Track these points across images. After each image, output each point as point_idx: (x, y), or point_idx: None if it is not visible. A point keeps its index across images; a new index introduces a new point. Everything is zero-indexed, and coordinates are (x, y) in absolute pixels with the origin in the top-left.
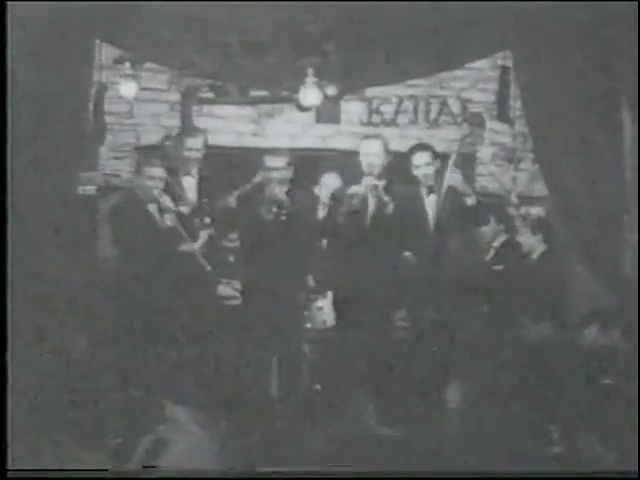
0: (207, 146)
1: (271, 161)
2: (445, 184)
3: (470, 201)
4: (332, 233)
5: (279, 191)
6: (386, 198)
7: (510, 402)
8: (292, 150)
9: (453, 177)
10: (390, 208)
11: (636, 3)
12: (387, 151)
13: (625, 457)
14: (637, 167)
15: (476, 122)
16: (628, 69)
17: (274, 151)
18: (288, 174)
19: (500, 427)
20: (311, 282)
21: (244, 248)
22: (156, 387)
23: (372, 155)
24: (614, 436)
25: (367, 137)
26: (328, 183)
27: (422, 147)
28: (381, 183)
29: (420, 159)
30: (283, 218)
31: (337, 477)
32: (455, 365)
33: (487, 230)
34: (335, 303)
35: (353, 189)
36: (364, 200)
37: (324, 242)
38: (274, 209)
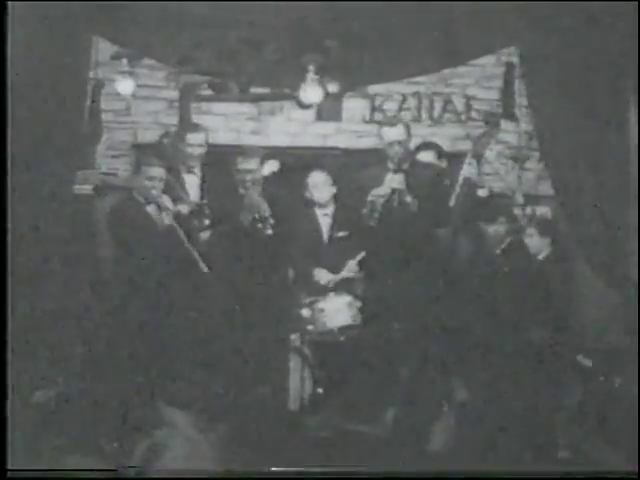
0: (208, 143)
1: (242, 163)
2: (461, 177)
3: (482, 193)
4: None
5: (260, 203)
6: (409, 199)
7: (515, 403)
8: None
9: (469, 168)
10: (414, 207)
11: (636, 3)
12: (410, 135)
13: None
14: (637, 167)
15: (491, 121)
16: (635, 66)
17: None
18: (263, 173)
19: (504, 428)
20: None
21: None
22: (153, 389)
23: (395, 143)
24: (619, 438)
25: (387, 124)
26: (316, 182)
27: (427, 146)
28: (403, 184)
29: (424, 158)
30: (269, 232)
31: (337, 477)
32: (460, 366)
33: (495, 230)
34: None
35: (377, 192)
36: (387, 202)
37: (326, 244)
38: (259, 225)
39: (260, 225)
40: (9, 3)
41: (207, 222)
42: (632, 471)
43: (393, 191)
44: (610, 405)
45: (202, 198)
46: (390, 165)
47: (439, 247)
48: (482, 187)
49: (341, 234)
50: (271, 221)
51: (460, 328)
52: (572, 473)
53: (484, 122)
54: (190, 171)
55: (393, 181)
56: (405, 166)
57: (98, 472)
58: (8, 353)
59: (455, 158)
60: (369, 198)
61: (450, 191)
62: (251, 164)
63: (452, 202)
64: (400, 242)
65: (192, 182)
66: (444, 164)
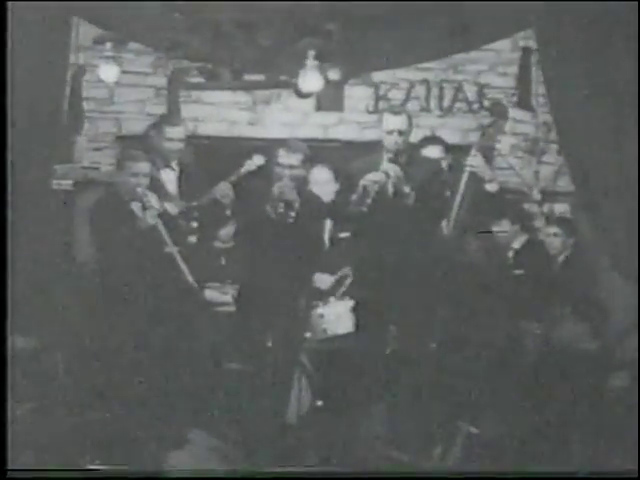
0: (189, 136)
1: (285, 157)
2: (466, 171)
3: (491, 187)
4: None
5: (289, 191)
6: (407, 189)
7: (529, 412)
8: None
9: (474, 160)
10: (411, 199)
11: (636, 3)
12: (411, 127)
13: None
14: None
15: (498, 111)
16: None
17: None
18: (303, 172)
19: (520, 437)
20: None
21: (239, 249)
22: (138, 400)
23: (396, 133)
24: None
25: (390, 112)
26: (318, 178)
27: (433, 140)
28: (400, 172)
29: (430, 153)
30: (291, 220)
31: (337, 477)
32: (471, 378)
33: (505, 228)
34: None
35: (370, 177)
36: (382, 189)
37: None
38: (280, 209)
39: (282, 211)
40: (9, 3)
41: (194, 225)
42: (632, 470)
43: (387, 176)
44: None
45: (180, 195)
46: (386, 155)
47: (443, 246)
48: (491, 181)
49: (343, 235)
50: (296, 206)
51: (470, 337)
52: (572, 473)
53: (489, 112)
54: (168, 166)
55: (388, 168)
56: (402, 159)
57: (100, 472)
58: (8, 352)
59: (464, 151)
60: (361, 182)
61: (450, 187)
62: (292, 159)
63: (458, 198)
64: (401, 240)
65: (170, 177)
66: (449, 159)
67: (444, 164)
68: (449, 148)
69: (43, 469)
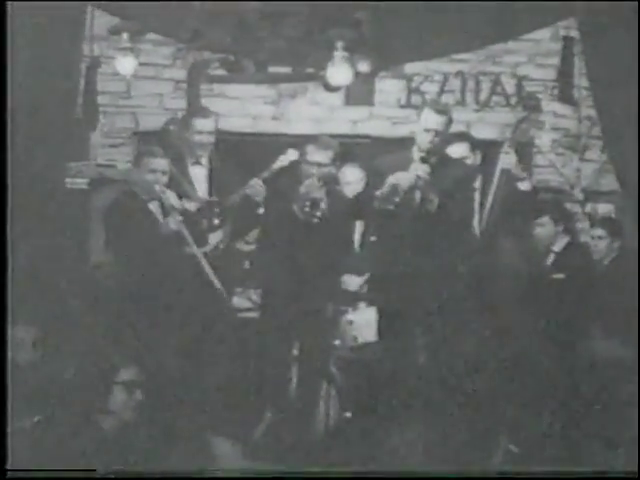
0: (219, 130)
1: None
2: (498, 169)
3: (524, 186)
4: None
5: (317, 189)
6: (432, 195)
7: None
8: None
9: (506, 158)
10: (434, 205)
11: (636, 3)
12: (450, 124)
13: None
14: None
15: (531, 105)
16: None
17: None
18: (332, 171)
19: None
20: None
21: (263, 250)
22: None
23: (432, 132)
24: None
25: (432, 109)
26: (349, 179)
27: (460, 137)
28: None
29: (456, 151)
30: (316, 220)
31: (337, 477)
32: (508, 388)
33: (544, 230)
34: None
35: (401, 175)
36: (409, 190)
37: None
38: (306, 208)
39: (308, 209)
40: (9, 3)
41: (217, 222)
42: (632, 471)
43: (417, 179)
44: None
45: (210, 194)
46: (416, 154)
47: (475, 248)
48: (523, 180)
49: (374, 238)
50: (322, 206)
51: (507, 346)
52: (572, 473)
53: (522, 106)
54: (197, 162)
55: (419, 169)
56: (433, 159)
57: (100, 473)
58: (8, 352)
59: (499, 148)
60: (390, 180)
61: (481, 187)
62: (321, 157)
63: (490, 197)
64: (429, 244)
65: (199, 174)
66: (478, 158)
67: (469, 162)
68: (476, 145)
69: (43, 469)
